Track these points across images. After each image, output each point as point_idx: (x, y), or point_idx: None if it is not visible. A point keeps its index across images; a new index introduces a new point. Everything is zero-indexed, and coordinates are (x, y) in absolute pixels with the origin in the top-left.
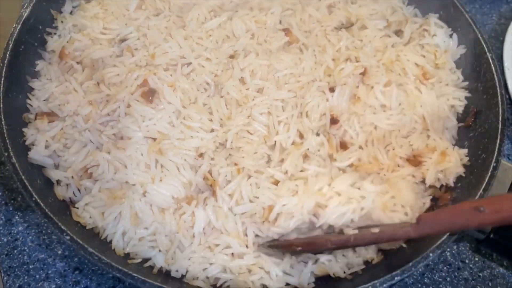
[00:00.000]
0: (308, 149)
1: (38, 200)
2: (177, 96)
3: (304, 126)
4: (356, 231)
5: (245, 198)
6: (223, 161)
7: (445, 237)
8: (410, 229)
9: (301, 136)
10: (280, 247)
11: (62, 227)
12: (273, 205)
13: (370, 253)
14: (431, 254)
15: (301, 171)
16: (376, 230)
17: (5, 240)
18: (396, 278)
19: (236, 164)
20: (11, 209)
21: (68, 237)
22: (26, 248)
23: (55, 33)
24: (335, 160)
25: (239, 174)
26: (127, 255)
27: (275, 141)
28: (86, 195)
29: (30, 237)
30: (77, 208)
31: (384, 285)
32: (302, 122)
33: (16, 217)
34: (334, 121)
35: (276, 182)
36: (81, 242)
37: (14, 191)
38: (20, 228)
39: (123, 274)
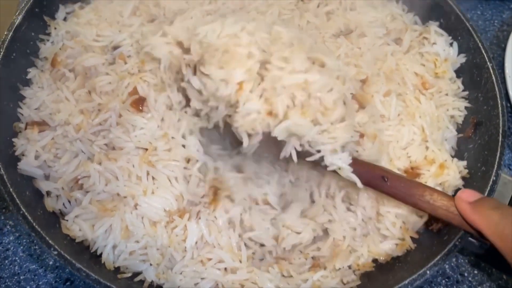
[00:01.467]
0: None
1: (26, 214)
2: (162, 102)
3: None
4: None
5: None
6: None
7: (443, 253)
8: None
9: None
10: None
11: (50, 241)
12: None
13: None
14: (428, 272)
15: None
16: None
17: None
18: None
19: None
20: (2, 218)
21: (55, 252)
22: (17, 258)
23: (48, 40)
24: None
25: None
26: (117, 269)
27: None
28: (76, 207)
29: (21, 247)
30: (67, 220)
31: None
32: None
33: (8, 227)
34: None
35: None
36: (68, 257)
37: (5, 200)
38: (11, 238)
39: None
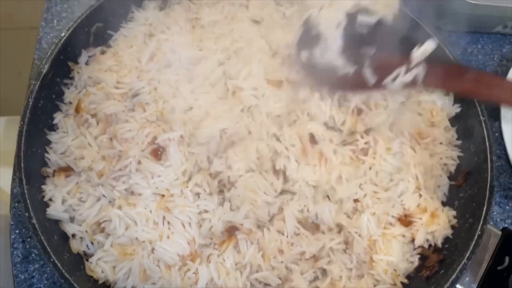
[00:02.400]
0: None
1: (56, 261)
2: (182, 152)
3: None
4: None
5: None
6: None
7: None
8: None
9: None
10: None
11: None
12: None
13: None
14: None
15: None
16: None
17: (22, 277)
18: None
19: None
20: (27, 246)
21: None
22: (41, 286)
23: (71, 84)
24: None
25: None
26: None
27: None
28: (99, 249)
29: (46, 275)
30: (91, 262)
31: None
32: None
33: (33, 255)
34: None
35: None
36: None
37: (36, 244)
38: (36, 266)
39: None
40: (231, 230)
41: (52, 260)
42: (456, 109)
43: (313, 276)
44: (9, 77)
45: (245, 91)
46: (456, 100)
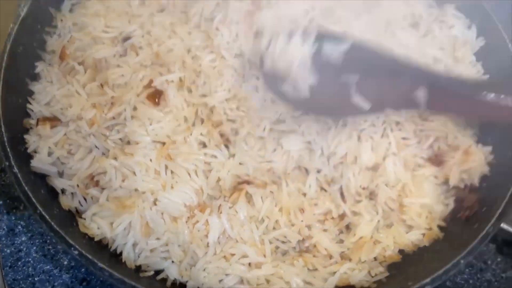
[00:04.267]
0: None
1: (43, 213)
2: (183, 97)
3: None
4: None
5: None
6: None
7: (476, 242)
8: None
9: None
10: None
11: (70, 241)
12: None
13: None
14: (462, 261)
15: None
16: None
17: (8, 251)
18: (426, 287)
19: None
20: (13, 218)
21: (76, 252)
22: (30, 259)
23: (54, 33)
24: None
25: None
26: (139, 267)
27: None
28: (93, 205)
29: (35, 248)
30: (84, 219)
31: None
32: None
33: (19, 227)
34: None
35: None
36: (90, 257)
37: (16, 199)
38: (23, 239)
39: None
40: (242, 185)
41: (38, 211)
42: (481, 42)
43: (337, 232)
44: None
45: None
46: (480, 32)
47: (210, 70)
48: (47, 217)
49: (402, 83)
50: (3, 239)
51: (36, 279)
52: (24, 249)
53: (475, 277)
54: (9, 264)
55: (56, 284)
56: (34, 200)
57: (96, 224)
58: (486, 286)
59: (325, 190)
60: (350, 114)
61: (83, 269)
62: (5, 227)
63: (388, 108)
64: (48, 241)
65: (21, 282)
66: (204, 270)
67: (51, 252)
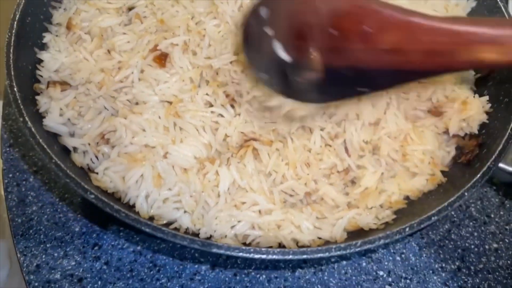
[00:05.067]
0: None
1: (58, 162)
2: (188, 59)
3: None
4: None
5: None
6: None
7: (478, 175)
8: None
9: None
10: None
11: (85, 186)
12: None
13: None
14: (466, 194)
15: None
16: None
17: (19, 221)
18: (433, 218)
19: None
20: (23, 190)
21: (92, 196)
22: (42, 227)
23: (59, 7)
24: None
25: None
26: (152, 218)
27: None
28: (104, 160)
29: (46, 216)
30: (97, 173)
31: (422, 225)
32: None
33: (29, 197)
34: None
35: None
36: (106, 199)
37: (25, 172)
38: (34, 208)
39: (152, 229)
40: (248, 142)
41: (54, 161)
42: (472, 3)
43: (343, 186)
44: None
45: None
46: None
47: (214, 34)
48: (62, 165)
49: None
50: (14, 209)
51: (48, 245)
52: (35, 218)
53: (479, 229)
54: (20, 232)
55: (68, 249)
56: (49, 150)
57: (109, 177)
58: (490, 238)
59: (330, 146)
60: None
61: (94, 235)
62: (15, 199)
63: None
64: (59, 209)
65: (33, 249)
66: (216, 218)
67: (62, 220)
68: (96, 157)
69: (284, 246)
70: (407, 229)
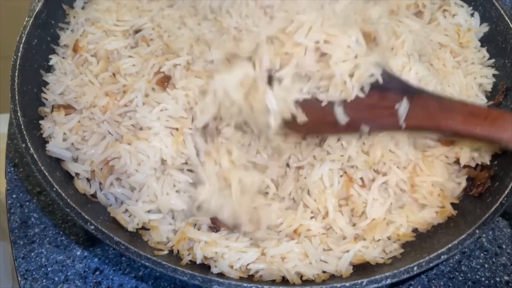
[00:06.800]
0: None
1: (60, 191)
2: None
3: None
4: None
5: None
6: None
7: (490, 212)
8: None
9: None
10: None
11: (86, 216)
12: None
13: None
14: (477, 231)
15: None
16: None
17: (21, 243)
18: (442, 257)
19: None
20: (26, 211)
21: (92, 227)
22: (43, 250)
23: (67, 28)
24: None
25: None
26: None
27: None
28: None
29: (48, 239)
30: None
31: (431, 264)
32: None
33: (32, 219)
34: None
35: None
36: (106, 231)
37: (29, 193)
38: (36, 230)
39: (152, 263)
40: None
41: (55, 189)
42: (484, 28)
43: (350, 214)
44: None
45: None
46: (484, 19)
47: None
48: (63, 194)
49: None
50: (16, 231)
51: (49, 269)
52: (37, 240)
53: (490, 261)
54: (22, 255)
55: (69, 273)
56: (50, 178)
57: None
58: (502, 270)
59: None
60: (326, 132)
61: (96, 259)
62: (18, 220)
63: (365, 125)
64: (61, 232)
65: (33, 272)
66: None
67: (64, 243)
68: (100, 184)
69: (287, 280)
70: (415, 268)
